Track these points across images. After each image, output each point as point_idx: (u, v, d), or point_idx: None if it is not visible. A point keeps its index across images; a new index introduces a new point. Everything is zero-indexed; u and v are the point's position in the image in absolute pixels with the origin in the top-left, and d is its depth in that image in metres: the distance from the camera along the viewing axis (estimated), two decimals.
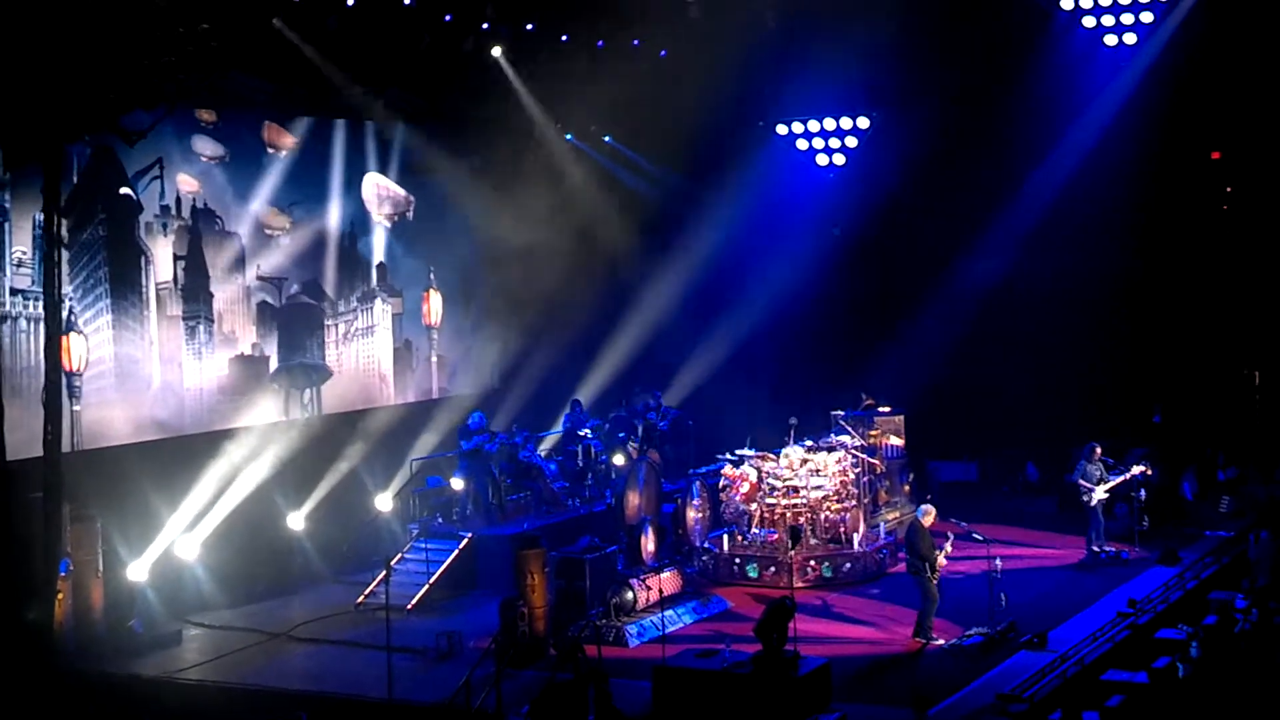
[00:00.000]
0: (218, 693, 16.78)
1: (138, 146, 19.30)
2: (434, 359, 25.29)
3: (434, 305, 25.27)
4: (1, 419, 16.36)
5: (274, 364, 22.58)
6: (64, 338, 18.12)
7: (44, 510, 16.44)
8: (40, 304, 17.82)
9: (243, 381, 22.02)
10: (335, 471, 22.35)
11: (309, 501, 21.96)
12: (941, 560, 17.39)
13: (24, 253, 18.96)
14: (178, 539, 19.89)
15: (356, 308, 24.06)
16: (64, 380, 17.75)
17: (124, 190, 20.34)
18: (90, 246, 19.99)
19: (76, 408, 19.51)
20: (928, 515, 17.65)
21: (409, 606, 19.49)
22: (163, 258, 20.92)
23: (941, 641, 17.01)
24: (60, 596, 17.20)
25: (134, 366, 20.44)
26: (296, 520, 21.77)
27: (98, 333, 19.96)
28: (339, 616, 19.45)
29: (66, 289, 18.78)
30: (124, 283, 20.37)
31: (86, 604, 17.95)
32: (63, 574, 17.36)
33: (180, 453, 20.52)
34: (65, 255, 18.37)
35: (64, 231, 18.10)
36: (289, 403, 22.78)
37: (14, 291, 18.86)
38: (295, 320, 23.03)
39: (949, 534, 17.84)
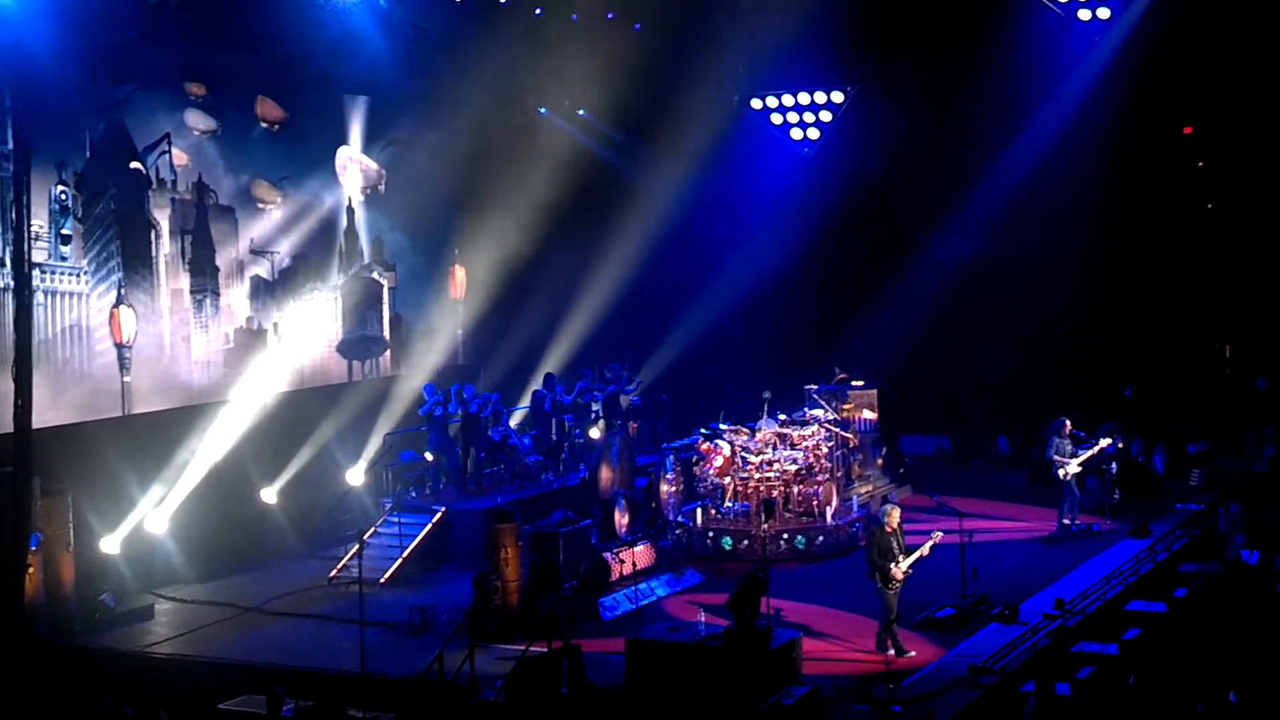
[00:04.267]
0: (190, 666, 16.75)
1: (147, 123, 20.16)
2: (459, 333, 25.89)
3: (459, 279, 25.86)
4: (30, 390, 16.56)
5: (340, 336, 23.96)
6: (115, 310, 19.97)
7: (14, 484, 16.37)
8: (55, 277, 18.68)
9: (245, 353, 22.24)
10: (310, 445, 22.29)
11: (283, 475, 21.89)
12: (901, 571, 15.87)
13: (41, 227, 19.13)
14: (149, 513, 19.82)
15: (347, 281, 24.28)
16: (117, 352, 19.85)
17: (134, 164, 20.53)
18: (103, 220, 20.15)
19: (127, 379, 20.20)
20: (890, 516, 16.16)
21: (382, 580, 19.48)
22: (165, 231, 21.11)
23: (913, 653, 15.75)
24: (31, 571, 17.10)
25: (145, 339, 20.63)
26: (269, 494, 21.72)
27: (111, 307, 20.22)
28: (312, 590, 19.41)
29: (80, 263, 19.58)
30: (135, 256, 20.61)
31: (57, 578, 17.81)
32: (33, 548, 17.25)
33: (152, 427, 20.43)
34: (79, 228, 19.49)
35: (76, 205, 19.36)
36: (352, 373, 24.11)
37: (31, 265, 18.79)
38: (356, 294, 24.15)
39: (934, 534, 16.33)
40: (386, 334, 24.74)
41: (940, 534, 16.41)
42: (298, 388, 22.91)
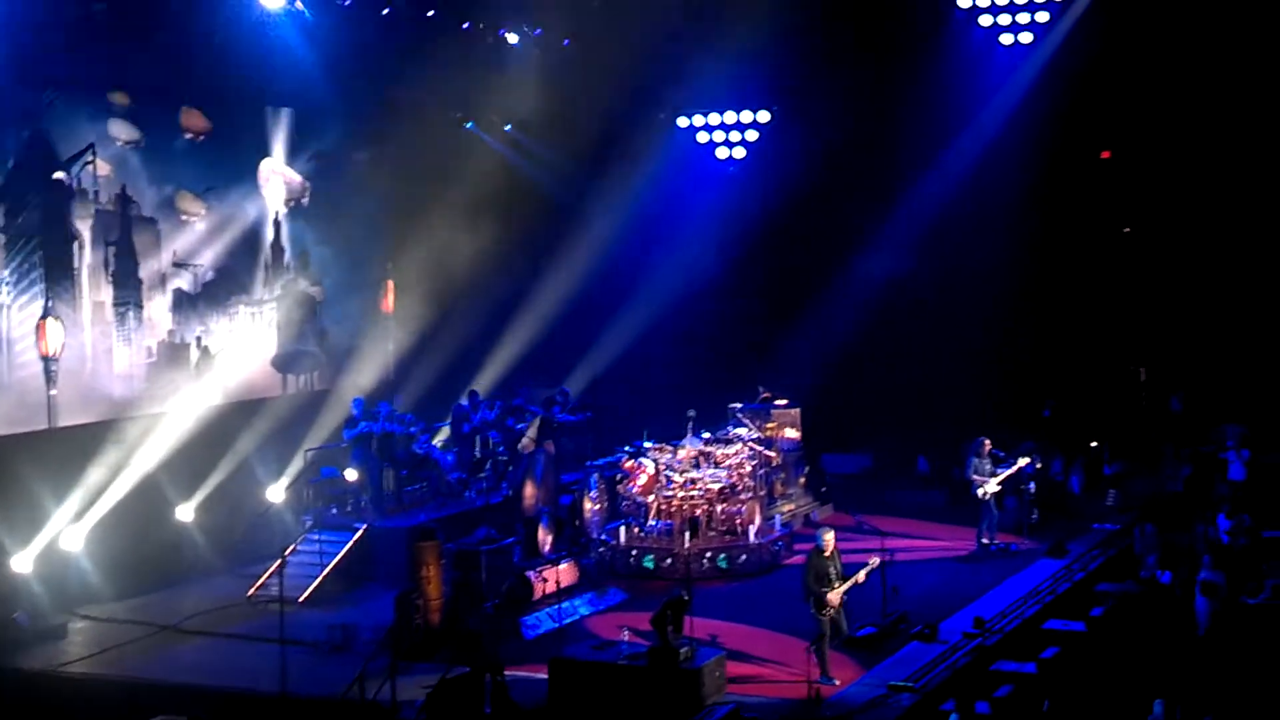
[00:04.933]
0: (104, 686, 16.47)
1: (70, 131, 19.89)
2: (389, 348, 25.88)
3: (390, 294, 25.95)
4: None
5: (273, 350, 23.92)
6: (42, 323, 19.67)
7: None
8: None
9: (167, 367, 22.00)
10: (229, 461, 22.01)
11: (200, 491, 21.60)
12: (836, 596, 15.90)
13: None
14: (63, 530, 19.48)
15: (281, 294, 24.11)
16: (43, 365, 19.61)
17: (57, 175, 20.24)
18: (24, 231, 19.84)
19: (53, 391, 19.90)
20: (826, 540, 16.21)
21: (302, 599, 19.25)
22: (88, 243, 20.83)
23: (836, 682, 15.50)
24: None
25: (68, 351, 20.31)
26: (186, 511, 21.41)
27: (34, 318, 19.88)
28: (230, 609, 19.15)
29: (2, 273, 19.34)
30: (58, 268, 20.30)
31: None
32: None
33: (68, 442, 20.06)
34: (0, 240, 19.20)
35: None
36: (286, 387, 24.12)
37: None
38: (290, 307, 24.18)
39: (871, 560, 16.49)
40: (323, 348, 24.65)
41: (877, 559, 16.53)
42: (222, 402, 22.61)
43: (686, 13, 25.06)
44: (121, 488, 20.23)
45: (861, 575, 16.23)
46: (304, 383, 24.41)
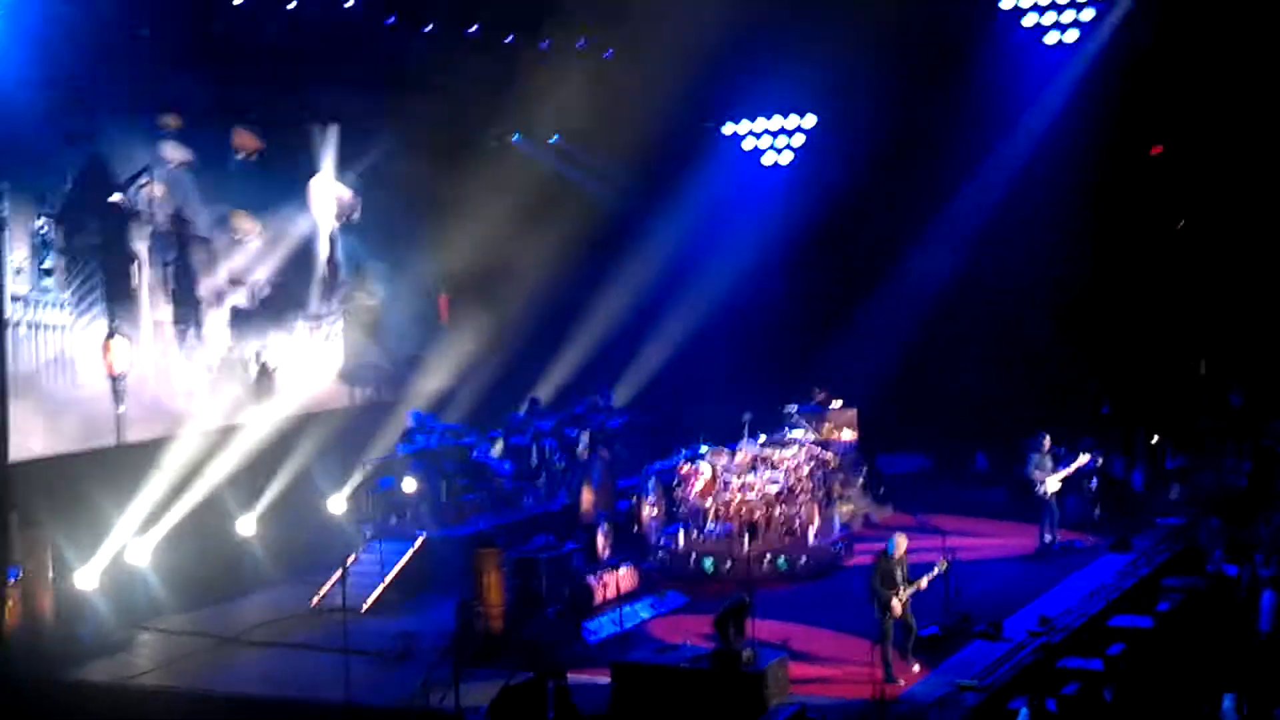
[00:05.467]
0: (170, 698, 16.56)
1: (123, 154, 20.24)
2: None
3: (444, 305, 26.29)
4: (6, 423, 16.63)
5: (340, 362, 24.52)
6: (108, 341, 20.10)
7: None
8: (38, 310, 19.02)
9: (227, 383, 22.28)
10: (290, 473, 22.15)
11: (264, 503, 21.75)
12: (899, 601, 15.77)
13: (24, 260, 19.21)
14: (129, 544, 19.66)
15: (338, 309, 24.40)
16: (111, 383, 20.07)
17: (115, 197, 20.52)
18: (84, 254, 20.16)
19: (121, 409, 20.23)
20: (897, 546, 16.08)
21: (364, 608, 19.33)
22: (146, 263, 21.12)
23: (901, 682, 15.54)
24: (10, 604, 16.96)
25: (130, 370, 20.60)
26: (248, 523, 21.57)
27: (94, 338, 20.21)
28: (293, 619, 19.25)
29: (64, 295, 19.70)
30: (118, 288, 20.60)
31: (37, 611, 17.67)
32: (12, 581, 17.12)
33: (131, 458, 20.26)
34: (61, 261, 19.60)
35: (57, 237, 19.54)
36: (354, 399, 24.65)
37: (14, 298, 19.02)
38: (354, 321, 24.76)
39: (936, 565, 16.35)
40: (385, 361, 24.88)
41: (944, 564, 16.41)
42: (283, 415, 22.75)
43: (729, 19, 25.04)
44: (186, 502, 20.43)
45: (924, 582, 16.12)
46: (366, 395, 24.62)
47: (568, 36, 24.72)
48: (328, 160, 24.19)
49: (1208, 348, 25.87)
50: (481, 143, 25.74)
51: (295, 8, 20.51)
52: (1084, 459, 21.14)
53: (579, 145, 27.53)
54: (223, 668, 17.50)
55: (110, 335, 20.24)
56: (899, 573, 15.99)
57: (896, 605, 15.81)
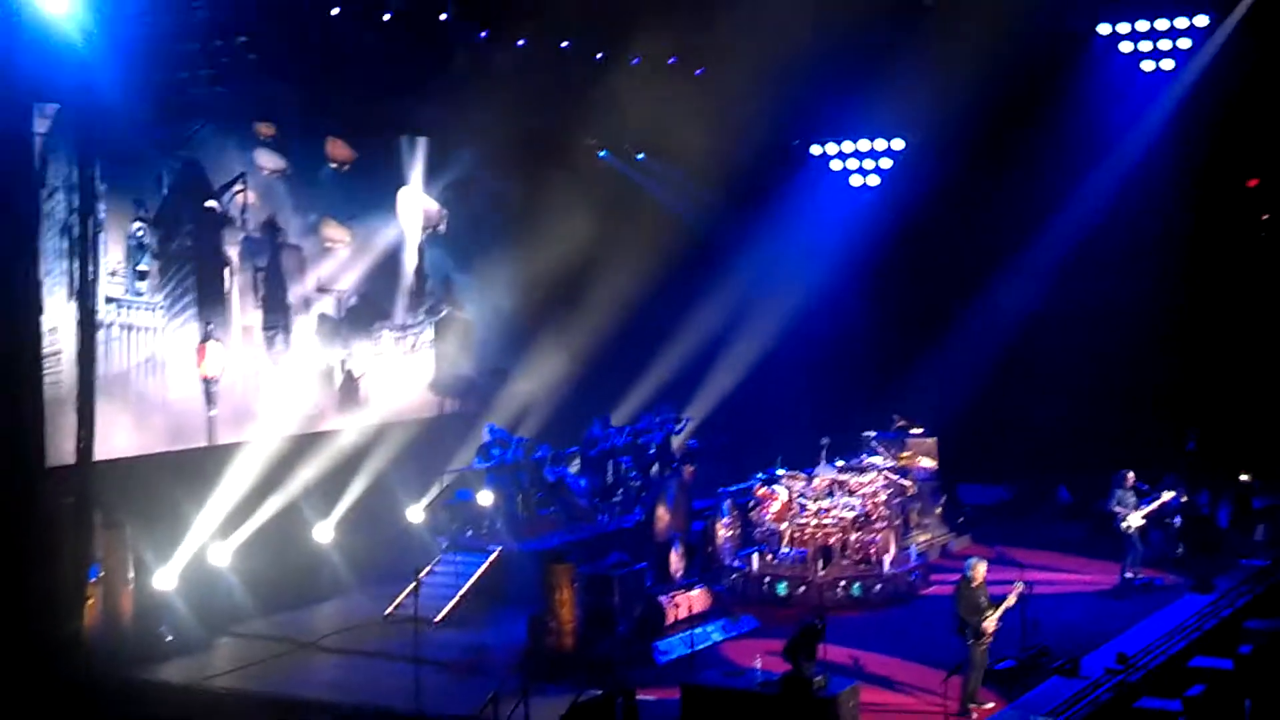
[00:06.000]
0: (245, 700, 16.78)
1: (217, 161, 20.73)
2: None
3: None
4: (92, 422, 16.71)
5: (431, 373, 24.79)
6: (203, 345, 20.61)
7: (75, 516, 16.48)
8: (132, 311, 19.41)
9: (314, 390, 22.60)
10: (371, 482, 22.38)
11: (344, 511, 21.99)
12: (991, 624, 15.64)
13: (119, 262, 19.61)
14: (210, 546, 19.93)
15: (424, 320, 24.56)
16: (204, 386, 20.61)
17: (209, 203, 20.90)
18: (179, 258, 20.52)
19: (214, 412, 20.70)
20: (975, 570, 15.81)
21: (437, 619, 19.45)
22: (238, 269, 21.51)
23: (975, 716, 15.47)
24: (90, 602, 17.23)
25: (221, 374, 21.01)
26: (325, 530, 21.77)
27: (186, 341, 20.60)
28: (368, 627, 19.43)
29: (157, 298, 20.08)
30: (210, 293, 20.98)
31: (116, 610, 17.97)
32: (92, 579, 17.40)
33: (215, 460, 20.58)
34: (155, 265, 19.96)
35: (152, 241, 19.90)
36: (444, 409, 24.92)
37: (109, 299, 19.40)
38: (447, 333, 25.11)
39: (1017, 584, 16.19)
40: (476, 373, 25.26)
41: (1023, 584, 16.19)
42: (367, 424, 23.01)
43: (819, 40, 24.93)
44: (268, 506, 20.71)
45: (1011, 599, 15.92)
46: (454, 406, 24.85)
47: (659, 52, 24.73)
48: (416, 172, 24.42)
49: None
50: (569, 158, 25.81)
51: (390, 19, 20.64)
52: (1168, 496, 20.78)
53: (666, 161, 27.55)
54: (297, 672, 17.71)
55: (205, 339, 20.64)
56: (982, 599, 15.79)
57: (990, 623, 15.60)
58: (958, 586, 16.07)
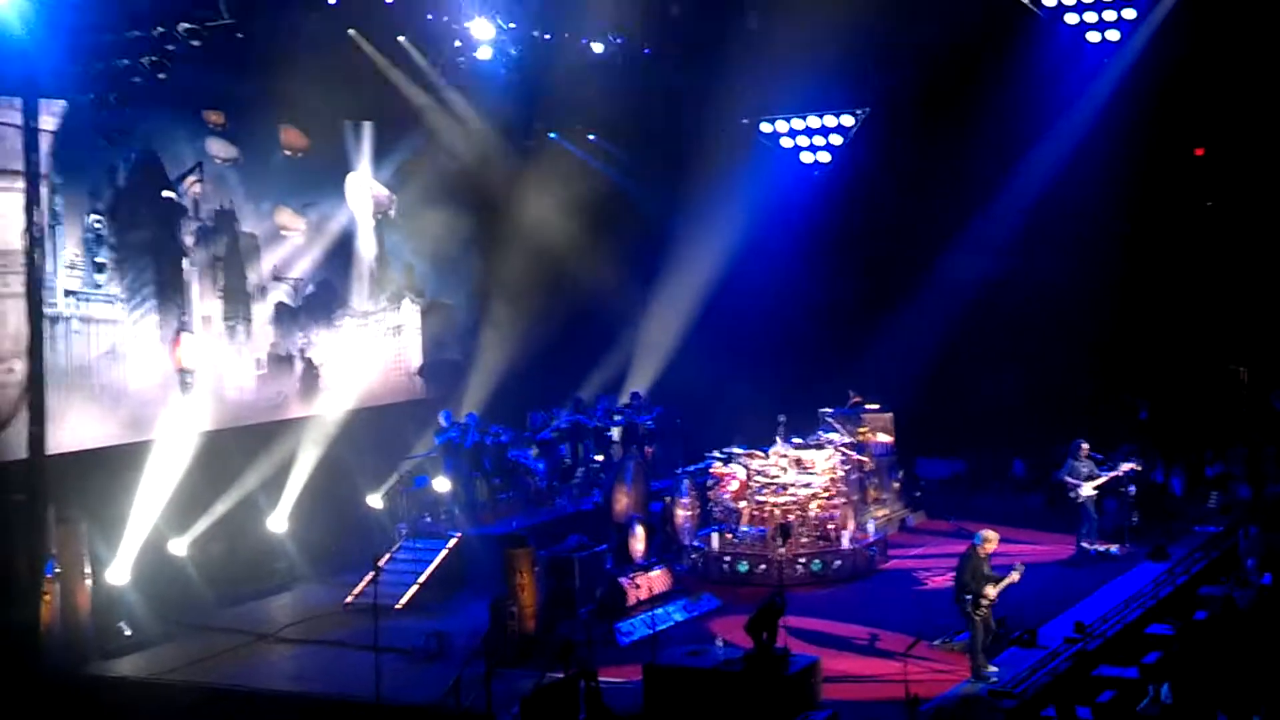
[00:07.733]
0: (203, 694, 16.65)
1: (178, 152, 20.62)
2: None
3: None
4: (44, 416, 16.70)
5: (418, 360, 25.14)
6: (177, 337, 20.61)
7: (30, 512, 16.33)
8: (91, 304, 19.31)
9: (275, 379, 22.45)
10: (329, 470, 22.24)
11: (297, 500, 21.85)
12: (993, 592, 15.84)
13: (77, 255, 19.40)
14: (171, 539, 19.81)
15: (385, 307, 24.53)
16: (180, 377, 20.57)
17: (166, 194, 20.71)
18: (136, 249, 20.32)
19: (188, 403, 20.73)
20: (987, 543, 16.01)
21: (397, 606, 19.41)
22: (195, 259, 21.33)
23: (994, 678, 15.66)
24: (47, 598, 17.07)
25: (197, 366, 20.95)
26: (282, 520, 21.64)
27: (146, 333, 20.39)
28: (327, 617, 19.34)
29: (115, 290, 19.90)
30: (170, 284, 20.80)
31: (73, 606, 17.79)
32: (49, 575, 17.23)
33: (168, 452, 20.31)
34: (113, 257, 19.79)
35: (110, 233, 19.73)
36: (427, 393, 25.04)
37: (67, 293, 19.25)
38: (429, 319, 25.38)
39: (1017, 564, 16.36)
40: (461, 356, 25.37)
41: (1022, 568, 16.21)
42: (327, 411, 22.89)
43: (765, 18, 24.91)
44: (225, 498, 20.59)
45: (1015, 575, 16.02)
46: (410, 394, 24.84)
47: (608, 34, 24.62)
48: (364, 157, 24.24)
49: (1249, 354, 25.54)
50: (518, 141, 25.68)
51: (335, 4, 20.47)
52: (1124, 467, 20.94)
53: (616, 142, 27.46)
54: (255, 664, 17.62)
55: (179, 330, 20.57)
56: (988, 567, 15.95)
57: (992, 591, 15.76)
58: (965, 554, 16.19)
